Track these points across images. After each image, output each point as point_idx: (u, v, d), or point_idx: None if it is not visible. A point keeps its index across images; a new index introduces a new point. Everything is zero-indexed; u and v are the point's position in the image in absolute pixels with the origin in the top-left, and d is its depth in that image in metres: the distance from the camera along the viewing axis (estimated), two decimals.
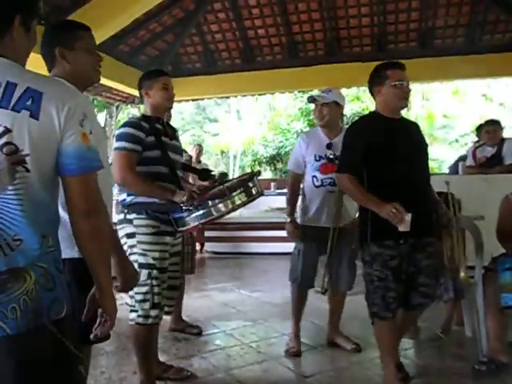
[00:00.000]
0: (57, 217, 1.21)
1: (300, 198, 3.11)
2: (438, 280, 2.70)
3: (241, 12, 7.21)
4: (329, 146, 3.00)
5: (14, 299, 1.06)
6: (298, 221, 3.06)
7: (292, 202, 3.08)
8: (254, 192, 2.36)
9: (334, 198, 2.92)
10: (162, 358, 2.82)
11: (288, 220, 3.04)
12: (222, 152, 17.35)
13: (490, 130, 4.86)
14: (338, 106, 3.04)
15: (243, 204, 2.37)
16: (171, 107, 2.66)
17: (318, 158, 2.99)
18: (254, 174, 2.48)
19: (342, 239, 2.93)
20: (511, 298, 2.53)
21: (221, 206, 2.21)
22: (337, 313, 3.24)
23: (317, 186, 2.98)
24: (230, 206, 2.22)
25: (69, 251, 1.21)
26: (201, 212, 2.21)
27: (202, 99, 9.64)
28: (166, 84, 2.51)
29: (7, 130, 1.08)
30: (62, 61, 1.68)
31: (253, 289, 4.77)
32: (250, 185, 2.36)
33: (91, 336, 1.30)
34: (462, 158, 5.58)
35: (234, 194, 2.23)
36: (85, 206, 1.17)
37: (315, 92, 3.13)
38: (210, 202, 2.21)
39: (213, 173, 2.85)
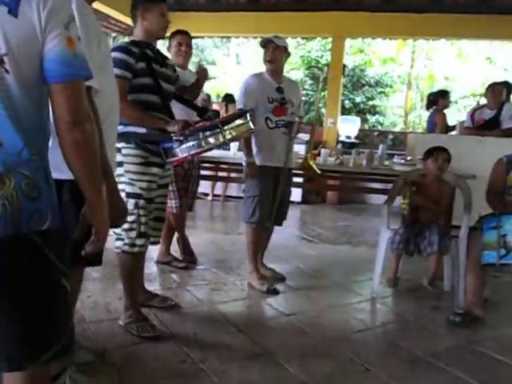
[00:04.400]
0: (43, 128, 1.15)
1: (253, 139, 3.10)
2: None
3: None
4: (279, 90, 3.12)
5: None
6: (256, 162, 3.10)
7: (249, 142, 3.09)
8: (245, 128, 2.40)
9: (286, 140, 3.12)
10: (147, 287, 2.88)
11: (249, 161, 3.09)
12: (219, 95, 17.04)
13: (496, 88, 4.89)
14: (286, 52, 3.16)
15: (233, 139, 2.38)
16: (164, 37, 2.55)
17: (271, 101, 3.08)
18: (246, 111, 2.48)
19: (288, 179, 3.25)
20: (492, 255, 2.58)
21: (211, 138, 2.20)
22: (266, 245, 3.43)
23: (271, 128, 3.09)
24: (221, 140, 2.21)
25: (67, 172, 1.18)
26: (191, 143, 2.19)
27: (203, 37, 9.32)
28: (164, 11, 2.41)
29: None
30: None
31: (239, 231, 4.84)
32: (242, 121, 2.37)
33: (82, 252, 1.30)
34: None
35: (226, 128, 2.22)
36: (68, 117, 1.09)
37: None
38: (200, 134, 2.19)
39: (208, 113, 2.80)
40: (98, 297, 2.85)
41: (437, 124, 5.56)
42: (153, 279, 3.26)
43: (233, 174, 5.70)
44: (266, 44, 3.12)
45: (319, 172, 3.78)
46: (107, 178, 1.44)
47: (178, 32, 3.37)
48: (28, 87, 1.07)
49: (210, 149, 2.25)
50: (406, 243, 3.10)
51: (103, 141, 1.44)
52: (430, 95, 6.08)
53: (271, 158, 3.12)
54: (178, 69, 2.85)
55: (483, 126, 4.90)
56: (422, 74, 13.50)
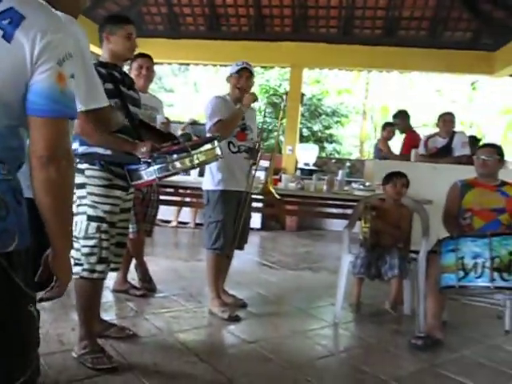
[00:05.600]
0: (18, 148, 1.09)
1: (213, 164, 3.06)
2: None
3: None
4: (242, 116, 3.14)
5: None
6: (217, 187, 3.08)
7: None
8: (213, 154, 2.38)
9: (248, 165, 3.16)
10: (103, 316, 2.74)
11: None
12: (174, 123, 16.96)
13: (446, 118, 5.16)
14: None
15: (202, 163, 2.35)
16: (131, 58, 2.54)
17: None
18: (215, 138, 2.47)
19: (249, 203, 3.24)
20: (451, 278, 2.62)
21: (179, 162, 2.16)
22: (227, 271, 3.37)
23: (234, 152, 3.10)
24: (188, 164, 2.18)
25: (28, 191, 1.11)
26: (158, 166, 2.15)
27: (162, 63, 9.32)
28: (131, 33, 2.38)
29: None
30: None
31: (199, 258, 4.74)
32: (211, 146, 2.36)
33: (38, 297, 1.20)
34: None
35: (194, 152, 2.19)
36: (43, 152, 1.04)
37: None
38: (168, 157, 2.16)
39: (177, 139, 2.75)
40: (49, 327, 2.68)
41: (381, 151, 5.81)
42: (109, 308, 3.11)
43: (189, 199, 5.64)
44: (241, 71, 3.12)
45: (279, 197, 3.78)
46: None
47: (139, 55, 3.34)
48: (6, 109, 1.03)
49: (177, 173, 2.22)
50: (368, 267, 3.11)
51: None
52: (384, 125, 6.30)
53: (233, 182, 3.10)
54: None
55: (436, 153, 5.11)
56: (375, 104, 14.02)
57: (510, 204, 3.04)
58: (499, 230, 2.90)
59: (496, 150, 3.16)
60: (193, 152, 2.18)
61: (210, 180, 3.12)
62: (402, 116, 5.85)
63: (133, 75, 3.30)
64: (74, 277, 2.27)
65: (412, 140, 5.62)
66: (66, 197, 1.12)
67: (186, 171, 2.31)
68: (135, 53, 2.58)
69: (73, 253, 2.32)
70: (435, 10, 7.01)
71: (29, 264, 1.11)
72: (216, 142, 2.40)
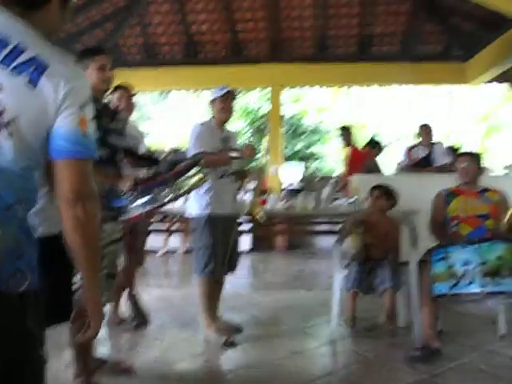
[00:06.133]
0: (33, 190, 1.12)
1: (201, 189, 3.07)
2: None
3: (184, 5, 7.10)
4: (225, 140, 3.17)
5: None
6: (204, 212, 3.07)
7: None
8: (198, 178, 2.37)
9: (234, 188, 3.19)
10: (97, 352, 2.69)
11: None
12: (155, 151, 16.95)
13: (426, 129, 5.36)
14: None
15: (188, 190, 2.35)
16: (108, 89, 2.54)
17: (217, 151, 3.11)
18: (198, 161, 2.46)
19: (237, 226, 3.26)
20: (444, 286, 2.64)
21: (165, 193, 2.15)
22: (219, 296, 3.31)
23: (220, 177, 3.11)
24: (175, 194, 2.18)
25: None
26: (145, 199, 2.14)
27: (141, 92, 9.37)
28: (103, 64, 2.39)
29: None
30: None
31: (190, 284, 4.70)
32: (194, 171, 2.35)
33: (73, 340, 1.21)
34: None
35: (179, 181, 2.19)
36: (70, 194, 1.09)
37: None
38: (154, 190, 2.15)
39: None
40: None
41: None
42: (102, 343, 3.05)
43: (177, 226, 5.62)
44: (225, 95, 3.15)
45: (262, 221, 3.74)
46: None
47: (118, 87, 3.36)
48: (23, 152, 1.06)
49: (164, 204, 2.20)
50: (360, 282, 3.12)
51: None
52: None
53: (220, 205, 3.10)
54: None
55: (419, 163, 5.21)
56: (355, 121, 14.22)
57: (493, 209, 3.10)
58: (486, 235, 2.94)
59: (474, 158, 3.24)
60: (177, 181, 2.18)
61: (195, 205, 3.11)
62: (345, 131, 6.02)
63: (113, 107, 3.32)
64: None
65: (353, 156, 5.69)
66: (94, 234, 1.16)
67: (173, 201, 2.29)
68: (113, 83, 2.58)
69: None
70: (406, 26, 7.20)
71: (39, 306, 1.10)
72: (200, 166, 2.40)
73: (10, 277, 1.02)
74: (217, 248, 3.06)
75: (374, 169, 5.86)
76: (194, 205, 3.13)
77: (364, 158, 5.62)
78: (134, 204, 2.16)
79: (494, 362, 2.69)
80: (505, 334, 3.04)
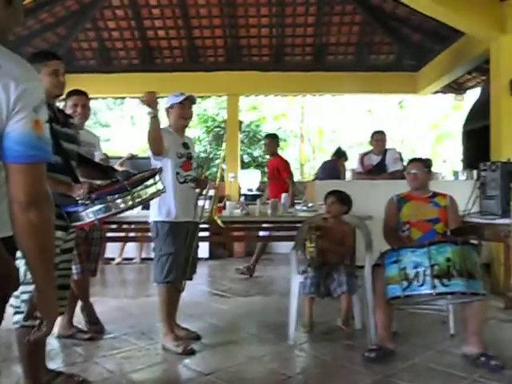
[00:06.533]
0: None
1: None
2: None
3: (140, 11, 7.03)
4: (185, 145, 3.18)
5: None
6: (167, 219, 3.05)
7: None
8: (154, 189, 2.31)
9: (194, 194, 3.20)
10: (49, 365, 2.60)
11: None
12: (112, 158, 16.61)
13: (378, 138, 5.44)
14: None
15: (144, 200, 2.30)
16: (61, 94, 2.48)
17: (180, 156, 3.12)
18: (156, 172, 2.42)
19: (197, 232, 3.22)
20: (396, 288, 2.73)
21: (120, 201, 2.11)
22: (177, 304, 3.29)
23: (181, 183, 3.12)
24: (130, 203, 2.13)
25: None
26: (98, 207, 2.09)
27: (96, 98, 9.17)
28: (56, 69, 2.34)
29: None
30: None
31: (147, 293, 4.63)
32: (152, 182, 2.31)
33: (26, 338, 1.23)
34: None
35: (135, 190, 2.15)
36: (23, 197, 1.07)
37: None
38: (108, 197, 2.10)
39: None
40: None
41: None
42: (55, 356, 2.96)
43: (134, 234, 5.53)
44: (185, 100, 3.14)
45: (223, 226, 3.76)
46: None
47: (73, 92, 3.28)
48: None
49: (119, 212, 2.16)
50: (317, 286, 3.16)
51: None
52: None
53: (182, 212, 3.07)
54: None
55: (372, 170, 5.35)
56: (311, 127, 14.47)
57: (442, 213, 3.23)
58: (436, 238, 3.07)
59: (423, 164, 3.37)
60: (133, 190, 2.14)
61: (157, 211, 3.07)
62: (269, 140, 5.93)
63: (68, 113, 3.24)
64: (14, 326, 2.17)
65: (276, 164, 5.72)
66: (47, 239, 1.15)
67: (128, 210, 2.24)
68: (66, 88, 2.52)
69: (12, 300, 2.21)
70: (359, 36, 7.42)
71: None
72: (157, 177, 2.36)
73: None
74: (178, 255, 3.04)
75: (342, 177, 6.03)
76: (155, 211, 3.08)
77: (286, 167, 5.67)
78: (87, 211, 2.10)
79: (444, 361, 2.79)
80: (454, 334, 3.17)
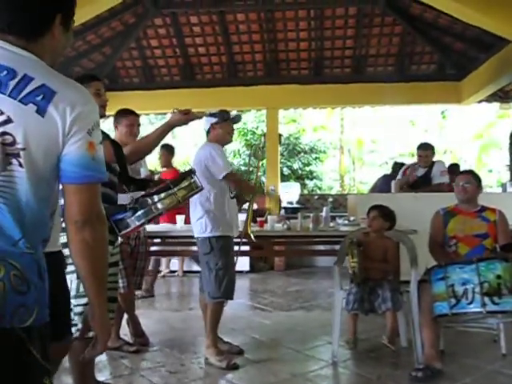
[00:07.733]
0: (43, 221, 1.14)
1: (207, 208, 3.09)
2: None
3: (181, 29, 7.22)
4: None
5: None
6: (222, 233, 3.07)
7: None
8: (193, 187, 2.36)
9: (236, 210, 3.30)
10: (97, 377, 2.67)
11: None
12: (152, 172, 16.97)
13: (422, 154, 5.27)
14: None
15: (184, 199, 2.34)
16: (104, 114, 2.56)
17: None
18: (192, 171, 2.47)
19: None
20: (444, 306, 2.65)
21: (162, 201, 2.17)
22: None
23: (232, 197, 3.19)
24: (170, 201, 2.18)
25: None
26: (143, 210, 2.15)
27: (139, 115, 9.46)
28: (98, 89, 2.43)
29: (9, 120, 1.04)
30: None
31: (190, 307, 4.69)
32: (190, 180, 2.35)
33: (80, 357, 1.26)
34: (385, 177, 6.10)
35: (176, 189, 2.20)
36: (78, 217, 1.11)
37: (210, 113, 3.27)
38: (151, 199, 2.16)
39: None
40: None
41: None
42: (103, 368, 3.03)
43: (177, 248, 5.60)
44: (234, 119, 3.26)
45: (254, 240, 3.73)
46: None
47: (129, 112, 3.33)
48: (38, 182, 1.09)
49: (161, 213, 2.22)
50: (361, 302, 3.11)
51: None
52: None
53: (231, 227, 3.16)
54: None
55: (416, 182, 5.22)
56: (351, 138, 14.33)
57: (491, 229, 3.12)
58: (484, 254, 2.97)
59: (473, 176, 3.27)
60: (174, 188, 2.19)
61: (209, 226, 3.07)
62: (164, 151, 5.65)
63: (122, 132, 3.28)
64: None
65: (172, 177, 5.50)
66: (101, 257, 1.18)
67: (172, 208, 2.30)
68: (111, 106, 2.60)
69: None
70: (399, 46, 7.33)
71: (47, 336, 1.11)
72: (194, 176, 2.39)
73: (13, 313, 1.02)
74: (232, 269, 3.12)
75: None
76: (203, 227, 3.09)
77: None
78: (135, 215, 2.16)
79: (496, 383, 2.68)
80: (506, 353, 3.04)
